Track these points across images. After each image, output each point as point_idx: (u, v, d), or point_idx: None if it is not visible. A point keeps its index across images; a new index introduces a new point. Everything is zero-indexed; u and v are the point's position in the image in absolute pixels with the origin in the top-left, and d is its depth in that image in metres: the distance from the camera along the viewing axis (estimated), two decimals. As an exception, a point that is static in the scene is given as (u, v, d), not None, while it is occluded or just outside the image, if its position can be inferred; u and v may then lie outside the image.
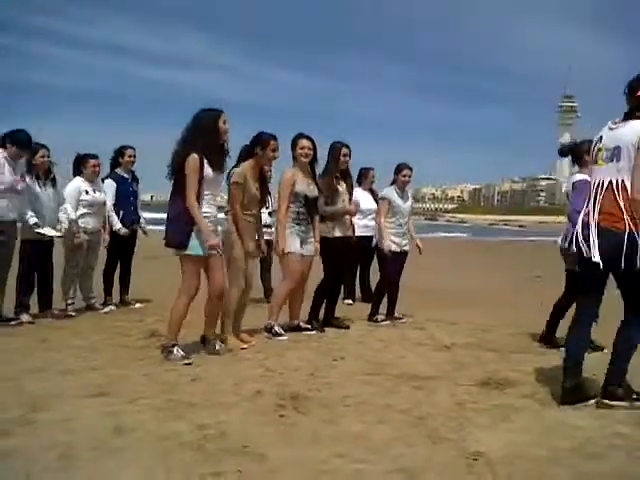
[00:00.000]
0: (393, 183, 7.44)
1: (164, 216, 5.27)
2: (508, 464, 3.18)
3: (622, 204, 4.02)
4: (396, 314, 7.47)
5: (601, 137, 4.29)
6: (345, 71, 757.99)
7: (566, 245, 5.99)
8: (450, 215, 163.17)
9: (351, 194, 6.94)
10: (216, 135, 5.15)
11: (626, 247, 3.97)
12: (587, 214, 4.21)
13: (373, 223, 8.23)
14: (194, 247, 5.06)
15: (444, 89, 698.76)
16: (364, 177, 8.70)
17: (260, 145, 5.79)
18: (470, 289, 11.24)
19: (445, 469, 3.10)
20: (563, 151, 6.14)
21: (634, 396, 4.16)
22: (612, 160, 4.13)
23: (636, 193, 3.95)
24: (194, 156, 5.00)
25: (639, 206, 3.96)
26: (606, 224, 4.07)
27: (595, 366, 4.56)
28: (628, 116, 4.18)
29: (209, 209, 5.19)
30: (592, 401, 4.25)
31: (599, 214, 4.12)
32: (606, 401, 4.12)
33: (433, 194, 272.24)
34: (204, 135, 5.08)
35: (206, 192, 5.14)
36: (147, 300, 8.10)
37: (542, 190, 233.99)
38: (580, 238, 4.22)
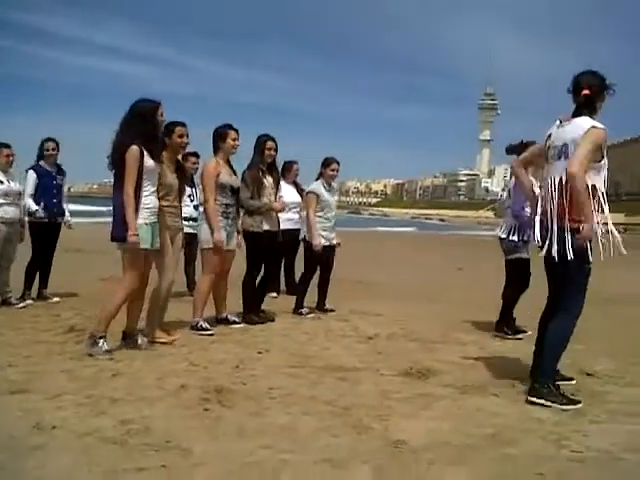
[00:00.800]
0: (320, 177, 7.46)
1: (82, 208, 5.15)
2: (430, 451, 3.26)
3: (571, 200, 4.13)
4: (327, 306, 7.53)
5: (550, 135, 4.39)
6: (273, 64, 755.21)
7: (505, 235, 6.37)
8: (374, 209, 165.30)
9: (277, 188, 6.93)
10: (154, 125, 5.10)
11: (565, 241, 4.11)
12: (544, 212, 4.32)
13: (297, 216, 8.26)
14: (140, 240, 4.97)
15: (368, 84, 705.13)
16: (287, 171, 8.67)
17: (167, 134, 5.60)
18: (394, 281, 11.43)
19: (370, 457, 3.15)
20: (511, 150, 6.38)
21: (559, 394, 4.17)
22: (560, 158, 4.26)
23: (571, 169, 4.03)
24: (134, 148, 4.93)
25: (571, 180, 4.05)
26: (555, 219, 4.19)
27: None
28: (575, 113, 4.28)
29: (152, 200, 5.14)
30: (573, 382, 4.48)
31: (552, 211, 4.23)
32: (533, 399, 4.15)
33: (357, 188, 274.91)
34: (143, 125, 5.01)
35: (148, 183, 5.09)
36: (66, 294, 7.87)
37: (463, 186, 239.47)
38: (537, 235, 4.33)
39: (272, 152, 6.74)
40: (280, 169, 7.76)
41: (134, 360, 4.90)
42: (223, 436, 3.38)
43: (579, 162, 4.03)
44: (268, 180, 6.72)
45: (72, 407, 3.75)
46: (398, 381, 4.59)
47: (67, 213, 7.85)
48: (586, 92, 4.24)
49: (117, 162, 5.01)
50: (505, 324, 6.45)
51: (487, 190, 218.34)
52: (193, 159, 7.96)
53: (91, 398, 3.92)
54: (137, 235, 4.96)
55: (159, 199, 5.41)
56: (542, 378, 4.22)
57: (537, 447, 3.39)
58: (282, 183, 8.26)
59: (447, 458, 3.18)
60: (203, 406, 3.85)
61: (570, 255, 4.09)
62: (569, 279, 4.26)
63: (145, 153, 5.01)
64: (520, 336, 6.22)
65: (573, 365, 4.97)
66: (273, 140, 6.74)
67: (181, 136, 5.66)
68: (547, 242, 4.24)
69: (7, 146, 7.22)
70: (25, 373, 4.44)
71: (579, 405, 4.10)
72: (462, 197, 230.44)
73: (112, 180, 5.16)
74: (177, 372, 4.61)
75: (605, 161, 4.22)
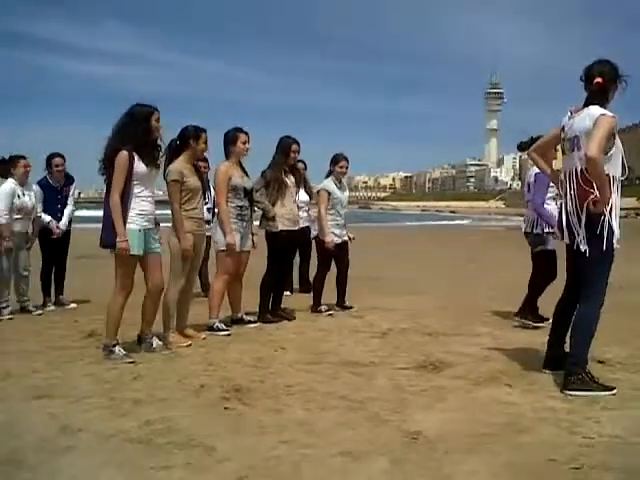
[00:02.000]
0: (329, 174, 7.53)
1: (91, 214, 5.22)
2: (445, 441, 3.35)
3: (585, 190, 4.21)
4: (346, 303, 7.60)
5: (563, 127, 4.45)
6: (273, 62, 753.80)
7: (530, 229, 6.46)
8: (383, 203, 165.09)
9: (299, 187, 7.07)
10: (148, 131, 5.13)
11: (587, 230, 4.20)
12: (565, 203, 4.40)
13: (306, 215, 8.35)
14: (130, 246, 5.02)
15: (374, 78, 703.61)
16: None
17: (192, 138, 5.76)
18: (406, 276, 11.49)
19: (387, 450, 3.24)
20: (522, 147, 6.46)
21: (594, 383, 4.21)
22: (573, 149, 4.33)
23: (589, 153, 4.07)
24: (123, 153, 4.96)
25: (590, 165, 4.11)
26: (575, 209, 4.27)
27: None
28: (587, 103, 4.34)
29: (145, 206, 5.17)
30: None
31: (571, 202, 4.31)
32: (570, 392, 4.16)
33: (366, 182, 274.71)
34: (136, 129, 5.06)
35: (141, 189, 5.12)
36: (82, 300, 8.01)
37: (472, 176, 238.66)
38: (562, 225, 4.42)
39: (296, 155, 6.95)
40: None
41: (153, 362, 5.02)
42: (244, 433, 3.49)
43: (597, 145, 4.06)
44: (290, 179, 6.88)
45: (96, 410, 3.87)
46: (412, 374, 4.68)
47: (65, 218, 7.85)
48: (598, 80, 4.29)
49: (107, 167, 5.05)
50: (529, 312, 6.50)
51: (496, 180, 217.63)
52: (202, 163, 8.02)
53: (114, 400, 4.04)
54: (126, 241, 4.97)
55: (182, 203, 5.55)
56: (574, 368, 4.24)
57: (550, 435, 3.47)
58: None
59: (462, 447, 3.27)
60: (223, 405, 3.96)
61: (588, 245, 4.17)
62: (591, 265, 4.30)
63: (137, 158, 5.04)
64: (543, 324, 6.16)
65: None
66: (298, 144, 6.94)
67: (205, 142, 5.86)
68: (569, 233, 4.32)
69: (23, 157, 7.29)
70: (49, 378, 4.56)
71: (614, 391, 4.15)
72: (471, 188, 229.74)
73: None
74: (196, 372, 4.72)
75: (617, 148, 4.27)
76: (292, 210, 6.90)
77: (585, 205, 4.21)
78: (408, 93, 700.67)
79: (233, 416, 3.76)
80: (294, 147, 6.88)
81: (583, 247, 4.23)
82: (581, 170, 4.26)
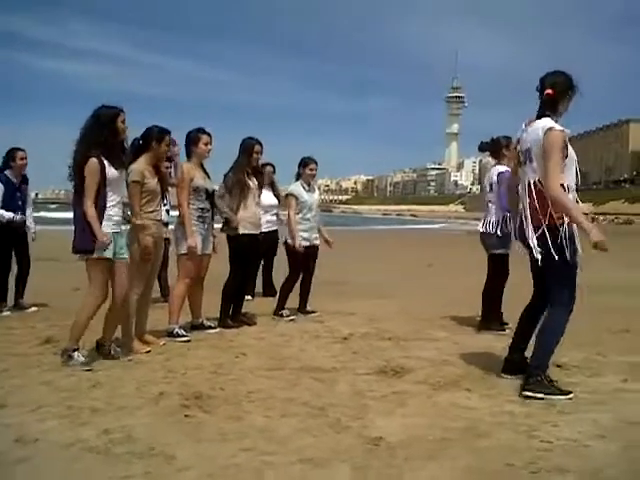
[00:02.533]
0: (298, 177, 7.52)
1: (50, 215, 5.12)
2: (406, 446, 3.37)
3: (539, 202, 4.28)
4: (308, 308, 7.60)
5: (519, 139, 4.53)
6: (234, 61, 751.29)
7: (492, 230, 6.44)
8: (345, 206, 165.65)
9: (261, 190, 7.01)
10: (115, 133, 5.07)
11: (544, 241, 4.26)
12: (520, 214, 4.49)
13: (274, 218, 8.34)
14: (100, 250, 4.94)
15: (336, 81, 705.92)
16: (261, 173, 8.74)
17: (155, 140, 5.67)
18: (366, 280, 11.54)
19: (348, 456, 3.25)
20: (483, 147, 6.55)
21: (551, 387, 4.27)
22: (526, 162, 4.41)
23: (549, 191, 4.18)
24: (93, 160, 4.89)
25: (555, 203, 4.19)
26: (532, 222, 4.33)
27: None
28: (539, 114, 4.42)
29: (114, 210, 5.10)
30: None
31: (526, 213, 4.39)
32: (528, 393, 4.24)
33: (328, 186, 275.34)
34: (102, 132, 4.98)
35: (112, 193, 5.05)
36: (40, 305, 7.85)
37: (432, 180, 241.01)
38: (518, 236, 4.54)
39: (259, 156, 6.86)
40: None
41: (112, 369, 4.95)
42: (205, 441, 3.46)
43: (554, 180, 4.16)
44: (253, 182, 6.81)
45: (53, 419, 3.79)
46: (373, 380, 4.70)
47: (32, 223, 7.79)
48: (549, 92, 4.37)
49: (77, 174, 4.97)
50: (492, 319, 6.54)
51: (456, 184, 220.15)
52: (166, 163, 7.87)
53: (72, 409, 3.97)
54: (106, 236, 4.92)
55: (142, 206, 5.48)
56: (535, 370, 4.30)
57: (508, 439, 3.52)
58: None
59: (423, 453, 3.30)
60: (183, 412, 3.92)
61: (552, 253, 4.23)
62: (555, 274, 4.37)
63: (106, 163, 4.97)
64: (506, 331, 6.24)
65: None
66: (260, 144, 6.85)
67: (168, 145, 5.76)
68: (526, 242, 4.39)
69: None
70: (3, 387, 4.46)
71: (571, 395, 4.21)
72: (432, 191, 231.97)
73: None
74: (155, 380, 4.67)
75: (571, 158, 4.34)
76: (255, 214, 6.86)
77: (541, 218, 4.28)
78: (370, 96, 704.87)
79: (193, 424, 3.73)
80: (256, 148, 6.80)
81: (537, 255, 4.29)
82: (534, 182, 4.33)
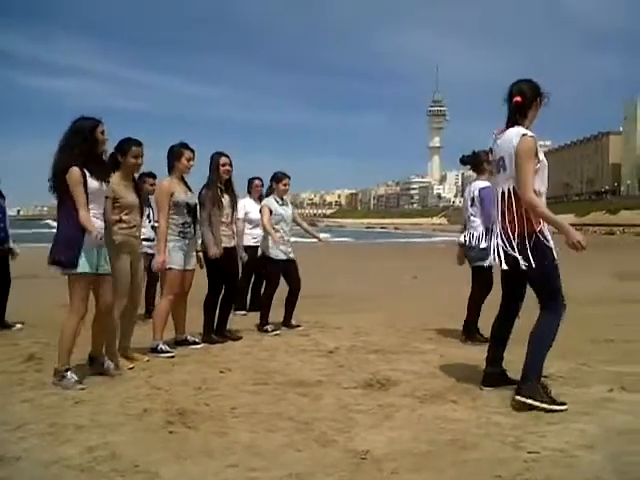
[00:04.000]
0: (271, 192, 7.55)
1: (33, 231, 5.04)
2: (392, 460, 3.35)
3: (515, 210, 4.32)
4: (293, 322, 7.57)
5: (491, 149, 4.56)
6: (222, 76, 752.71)
7: (476, 243, 6.46)
8: (329, 220, 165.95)
9: (234, 207, 6.94)
10: (94, 144, 4.99)
11: (523, 249, 4.28)
12: (494, 223, 4.53)
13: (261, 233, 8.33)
14: (83, 265, 4.86)
15: (321, 95, 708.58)
16: (250, 187, 8.77)
17: (120, 152, 5.59)
18: (351, 292, 11.54)
19: (334, 470, 3.22)
20: (464, 161, 6.57)
21: (545, 396, 4.24)
22: (500, 171, 4.43)
23: (524, 197, 4.22)
24: (75, 169, 4.81)
25: (531, 208, 4.23)
26: (507, 231, 4.36)
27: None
28: (508, 122, 4.44)
29: (96, 223, 4.96)
30: (510, 386, 4.55)
31: (502, 223, 4.41)
32: (521, 399, 4.21)
33: (311, 200, 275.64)
34: (82, 144, 4.91)
35: (93, 205, 4.95)
36: (24, 322, 7.76)
37: (415, 193, 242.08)
38: (494, 245, 4.51)
39: (227, 168, 6.71)
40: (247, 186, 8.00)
41: (96, 386, 4.89)
42: (189, 457, 3.42)
43: (528, 186, 4.21)
44: (225, 199, 6.73)
45: (36, 437, 3.74)
46: (359, 393, 4.68)
47: (12, 241, 7.69)
48: (517, 99, 4.39)
49: (58, 185, 4.89)
50: (474, 331, 6.59)
51: (439, 197, 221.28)
52: (151, 180, 7.78)
53: (55, 427, 3.91)
54: (97, 234, 4.84)
55: (118, 221, 5.41)
56: (529, 375, 4.28)
57: (495, 450, 3.50)
58: (247, 199, 8.44)
59: (409, 466, 3.28)
60: (168, 429, 3.87)
61: (531, 260, 4.25)
62: (541, 280, 4.38)
63: (87, 174, 4.89)
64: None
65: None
66: (227, 156, 6.74)
67: (136, 157, 5.62)
68: (504, 253, 4.39)
69: None
70: (-15, 405, 4.40)
71: (564, 407, 4.18)
72: (415, 205, 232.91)
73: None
74: (139, 396, 4.62)
75: (542, 164, 4.36)
76: (228, 228, 6.77)
77: (519, 226, 4.30)
78: (354, 110, 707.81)
79: (178, 440, 3.69)
80: (222, 160, 6.68)
81: (523, 264, 4.29)
82: (508, 191, 4.36)
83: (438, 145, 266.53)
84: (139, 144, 5.65)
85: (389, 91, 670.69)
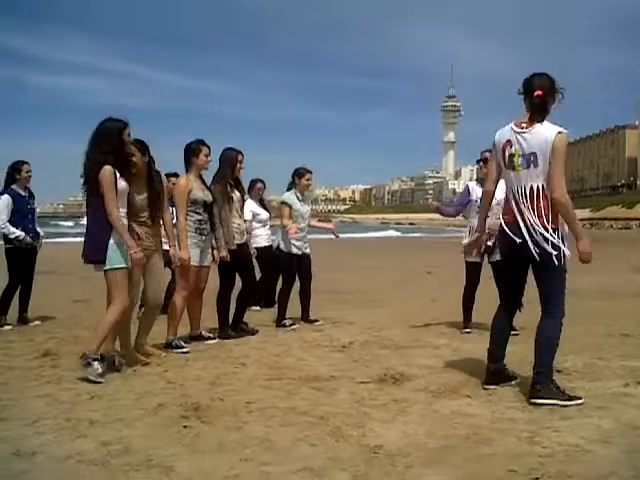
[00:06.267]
0: (291, 187, 7.55)
1: (53, 230, 5.11)
2: (407, 454, 3.34)
3: (545, 206, 4.29)
4: (311, 316, 7.58)
5: (509, 141, 4.42)
6: (233, 74, 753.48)
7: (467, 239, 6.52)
8: (343, 215, 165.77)
9: (243, 202, 6.97)
10: (121, 146, 5.07)
11: (549, 245, 4.26)
12: (509, 214, 4.45)
13: (269, 232, 8.42)
14: (118, 260, 4.95)
15: (334, 90, 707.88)
16: (252, 188, 8.77)
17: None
18: (365, 288, 11.53)
19: (348, 465, 3.22)
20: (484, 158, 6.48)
21: (560, 394, 4.24)
22: (529, 166, 4.33)
23: (559, 195, 4.23)
24: (108, 167, 4.90)
25: (561, 207, 4.24)
26: (533, 225, 4.31)
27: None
28: (532, 116, 4.37)
29: (124, 222, 5.10)
30: (514, 382, 4.61)
31: (527, 217, 4.34)
32: (537, 401, 4.20)
33: (325, 195, 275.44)
34: (111, 145, 5.00)
35: (119, 204, 5.04)
36: (38, 318, 7.80)
37: (430, 188, 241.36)
38: (502, 237, 4.52)
39: (241, 165, 6.78)
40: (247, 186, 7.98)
41: (111, 381, 4.91)
42: (204, 452, 3.43)
43: (563, 184, 4.25)
44: (236, 194, 6.75)
45: (51, 432, 3.76)
46: (373, 388, 4.68)
47: (41, 236, 7.82)
48: (539, 93, 4.33)
49: (91, 182, 4.98)
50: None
51: (454, 192, 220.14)
52: (173, 179, 7.83)
53: (70, 421, 3.94)
54: (137, 252, 5.01)
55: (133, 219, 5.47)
56: (541, 377, 4.27)
57: (510, 445, 3.49)
58: (249, 200, 8.38)
59: (424, 460, 3.27)
60: (182, 423, 3.89)
61: (567, 252, 4.27)
62: (555, 277, 4.38)
63: (117, 174, 4.99)
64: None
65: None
66: (241, 153, 6.77)
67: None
68: (524, 248, 4.34)
69: None
70: (2, 400, 4.43)
71: (581, 400, 4.19)
72: (430, 200, 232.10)
73: (78, 198, 5.14)
74: (154, 391, 4.64)
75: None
76: (239, 224, 6.78)
77: (548, 223, 4.27)
78: (367, 106, 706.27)
79: (192, 435, 3.70)
80: (239, 157, 6.74)
81: (556, 260, 4.27)
82: (537, 187, 4.31)
83: (453, 140, 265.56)
84: (144, 143, 5.66)
85: (403, 86, 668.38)
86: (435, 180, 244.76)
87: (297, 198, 7.45)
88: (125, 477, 3.09)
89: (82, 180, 5.08)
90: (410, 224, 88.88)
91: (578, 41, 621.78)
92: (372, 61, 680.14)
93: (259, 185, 8.85)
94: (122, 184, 5.05)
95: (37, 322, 7.63)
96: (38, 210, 7.98)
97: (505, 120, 4.60)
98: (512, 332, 5.37)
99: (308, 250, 7.55)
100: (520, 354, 5.00)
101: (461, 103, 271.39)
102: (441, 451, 3.41)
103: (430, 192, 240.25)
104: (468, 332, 6.79)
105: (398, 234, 52.71)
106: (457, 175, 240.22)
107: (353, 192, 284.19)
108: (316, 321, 7.52)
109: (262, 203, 8.77)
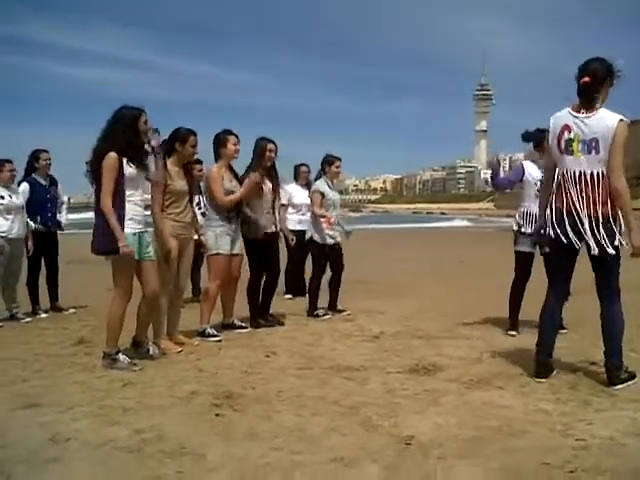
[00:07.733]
0: (321, 176, 7.52)
1: (78, 216, 5.05)
2: (438, 446, 3.32)
3: (606, 193, 4.25)
4: (338, 306, 7.56)
5: (568, 126, 4.36)
6: (263, 64, 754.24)
7: (522, 229, 6.14)
8: (374, 205, 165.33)
9: (277, 193, 6.88)
10: (136, 133, 5.04)
11: (611, 232, 4.24)
12: (562, 202, 4.40)
13: (306, 217, 8.28)
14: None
15: (364, 81, 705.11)
16: (297, 173, 8.88)
17: (179, 141, 5.70)
18: (397, 278, 11.47)
19: (379, 455, 3.22)
20: (526, 137, 6.17)
21: (627, 372, 4.40)
22: (590, 152, 4.28)
23: (621, 184, 4.21)
24: (112, 154, 4.85)
25: (619, 198, 4.21)
26: (590, 212, 4.28)
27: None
28: (586, 103, 4.32)
29: (137, 209, 5.08)
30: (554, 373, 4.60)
31: (584, 203, 4.30)
32: (620, 386, 4.30)
33: (356, 186, 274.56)
34: (124, 132, 4.95)
35: (131, 192, 5.02)
36: (73, 307, 7.93)
37: (462, 178, 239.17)
38: (555, 224, 4.43)
39: (272, 155, 6.69)
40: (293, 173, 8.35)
41: (144, 369, 4.97)
42: (235, 440, 3.45)
43: (621, 176, 4.23)
44: (267, 185, 6.69)
45: (85, 418, 3.82)
46: (405, 378, 4.66)
47: (64, 222, 7.94)
48: (585, 80, 4.28)
49: (95, 170, 4.93)
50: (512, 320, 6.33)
51: (487, 182, 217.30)
52: (198, 166, 7.81)
53: (104, 409, 4.00)
54: (128, 245, 4.87)
55: (166, 207, 5.51)
56: (618, 364, 4.37)
57: (543, 438, 3.46)
58: (293, 185, 8.54)
59: (455, 452, 3.25)
60: (214, 411, 3.92)
61: (622, 242, 4.26)
62: (614, 264, 4.37)
63: (125, 160, 4.93)
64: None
65: (573, 355, 5.10)
66: (274, 143, 6.70)
67: (193, 146, 5.76)
68: (578, 236, 4.32)
69: (9, 162, 7.25)
70: (37, 387, 4.51)
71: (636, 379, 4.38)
72: (462, 189, 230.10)
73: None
74: (187, 379, 4.69)
75: None
76: (268, 215, 6.71)
77: (609, 210, 4.25)
78: (397, 95, 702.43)
79: (224, 423, 3.73)
80: (269, 147, 6.64)
81: (610, 250, 4.24)
82: (597, 174, 4.27)
83: (485, 129, 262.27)
84: (195, 134, 5.77)
85: (435, 75, 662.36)
86: (467, 169, 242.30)
87: (328, 186, 7.43)
88: (158, 464, 3.13)
89: (87, 167, 5.00)
90: (442, 214, 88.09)
91: (630, 27, 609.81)
92: (404, 50, 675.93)
93: (303, 168, 8.89)
94: (130, 170, 4.99)
95: (72, 310, 7.74)
96: (72, 201, 8.06)
97: (538, 109, 4.55)
98: (561, 330, 5.29)
99: (339, 239, 7.53)
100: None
101: (493, 91, 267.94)
102: (473, 443, 3.38)
103: (462, 181, 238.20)
104: (513, 335, 6.11)
105: (468, 224, 50.31)
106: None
107: (384, 182, 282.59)
108: (343, 311, 7.50)
109: (309, 187, 8.66)
